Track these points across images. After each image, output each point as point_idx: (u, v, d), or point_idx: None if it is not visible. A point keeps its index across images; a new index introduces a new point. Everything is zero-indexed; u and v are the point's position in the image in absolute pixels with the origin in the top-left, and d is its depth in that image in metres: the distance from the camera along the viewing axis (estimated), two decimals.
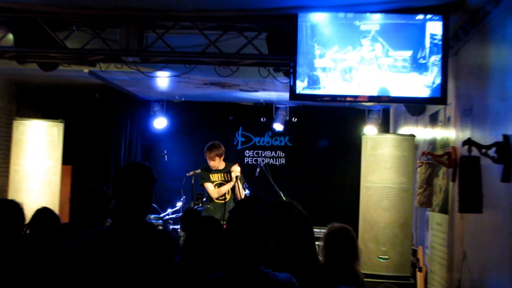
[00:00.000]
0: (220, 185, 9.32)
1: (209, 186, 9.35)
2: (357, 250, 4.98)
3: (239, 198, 9.01)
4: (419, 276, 8.39)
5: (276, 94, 11.22)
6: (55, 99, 11.97)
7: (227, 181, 9.32)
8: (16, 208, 4.86)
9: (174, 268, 3.49)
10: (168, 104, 12.65)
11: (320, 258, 4.92)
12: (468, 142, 5.81)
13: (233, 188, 9.27)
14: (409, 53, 6.71)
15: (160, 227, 9.66)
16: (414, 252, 8.70)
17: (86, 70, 9.17)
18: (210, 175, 9.38)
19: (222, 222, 8.72)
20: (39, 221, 5.48)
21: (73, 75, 9.68)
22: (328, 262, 4.79)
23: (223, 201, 9.31)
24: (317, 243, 4.89)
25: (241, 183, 9.18)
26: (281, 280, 3.64)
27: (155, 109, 12.44)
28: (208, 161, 9.32)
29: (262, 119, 12.61)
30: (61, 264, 3.43)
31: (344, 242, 4.92)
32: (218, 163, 9.31)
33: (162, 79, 10.23)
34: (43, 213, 5.63)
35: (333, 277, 4.56)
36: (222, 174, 9.35)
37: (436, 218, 8.08)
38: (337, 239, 4.92)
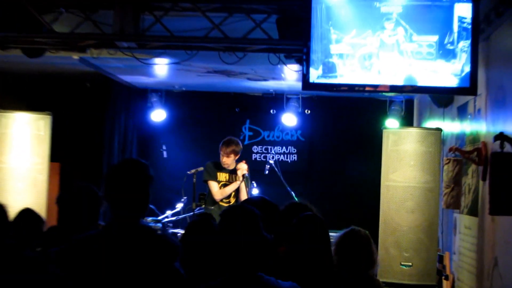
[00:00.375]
0: (225, 185, 9.26)
1: (213, 186, 9.26)
2: (372, 255, 4.99)
3: None
4: (446, 285, 8.41)
5: (287, 84, 11.23)
6: (42, 89, 12.00)
7: (233, 182, 9.25)
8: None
9: (174, 276, 3.50)
10: (167, 94, 12.69)
11: None
12: (500, 136, 5.82)
13: (237, 189, 9.19)
14: (435, 38, 6.71)
15: (159, 231, 9.67)
16: (440, 259, 8.71)
17: (75, 56, 9.20)
18: (218, 174, 9.31)
19: None
20: (21, 224, 5.50)
21: (61, 62, 9.71)
22: (339, 270, 4.81)
23: (228, 204, 9.24)
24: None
25: (246, 183, 9.12)
26: (286, 287, 3.64)
27: (152, 100, 12.48)
28: (221, 157, 9.20)
29: (271, 111, 12.63)
30: (46, 274, 3.42)
31: (356, 247, 4.92)
32: (231, 161, 9.20)
33: (161, 67, 10.26)
34: (26, 215, 5.65)
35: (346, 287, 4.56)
36: (229, 175, 9.28)
37: (464, 221, 8.09)
38: (348, 244, 4.93)
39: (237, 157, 9.26)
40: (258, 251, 3.62)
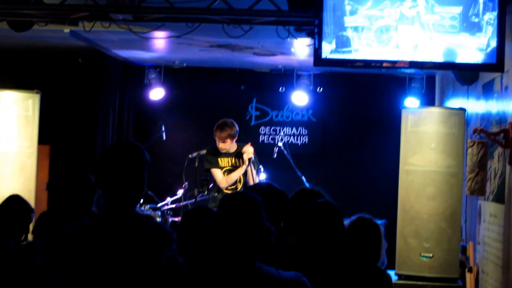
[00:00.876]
0: (230, 171, 9.27)
1: (217, 174, 9.28)
2: (379, 245, 5.06)
3: None
4: (469, 277, 8.45)
5: (298, 59, 11.26)
6: (30, 65, 12.04)
7: (238, 167, 9.27)
8: None
9: (169, 266, 3.49)
10: (166, 70, 12.71)
11: None
12: None
13: (245, 174, 9.23)
14: (458, 9, 6.75)
15: (151, 219, 9.71)
16: (463, 249, 8.76)
17: (66, 30, 9.23)
18: (219, 160, 9.32)
19: None
20: (8, 212, 5.59)
21: (51, 36, 9.74)
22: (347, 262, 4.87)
23: (233, 191, 9.22)
24: None
25: (255, 167, 9.14)
26: (286, 279, 3.67)
27: (150, 77, 12.50)
28: (217, 142, 9.24)
29: (280, 89, 12.66)
30: (32, 266, 3.44)
31: (363, 236, 4.99)
32: (228, 146, 9.24)
33: (159, 41, 10.30)
34: (14, 203, 5.73)
35: (351, 280, 4.60)
36: (233, 159, 9.29)
37: (490, 209, 8.14)
38: (355, 233, 4.99)
39: (234, 140, 9.28)
40: (258, 241, 3.65)
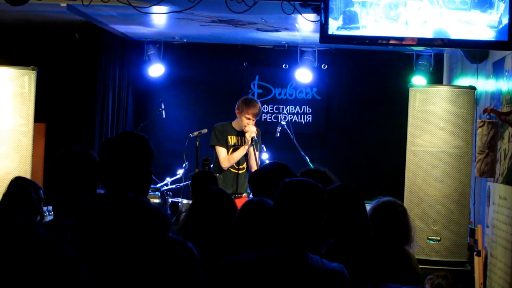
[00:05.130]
0: (234, 149, 9.15)
1: (221, 152, 9.10)
2: (408, 229, 5.05)
3: (253, 168, 8.84)
4: (478, 261, 8.47)
5: (302, 35, 11.24)
6: (25, 41, 12.03)
7: (240, 146, 9.13)
8: None
9: (170, 253, 3.45)
10: (166, 46, 12.70)
11: None
12: None
13: (246, 154, 9.08)
14: None
15: (147, 204, 9.67)
16: (472, 232, 8.78)
17: (63, 4, 9.21)
18: (229, 137, 9.15)
19: (236, 196, 8.81)
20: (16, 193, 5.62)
21: (47, 10, 9.72)
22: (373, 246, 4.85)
23: (238, 171, 9.15)
24: None
25: (257, 147, 9.03)
26: (329, 270, 3.72)
27: (149, 53, 12.50)
28: (241, 119, 9.01)
29: (284, 65, 12.65)
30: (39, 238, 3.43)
31: (389, 220, 4.97)
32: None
33: (159, 16, 10.27)
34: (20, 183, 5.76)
35: (379, 265, 4.59)
36: (237, 137, 9.19)
37: (499, 191, 8.14)
38: (380, 218, 4.97)
39: None
40: (315, 229, 3.74)
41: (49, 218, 6.41)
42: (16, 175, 6.88)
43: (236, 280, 3.73)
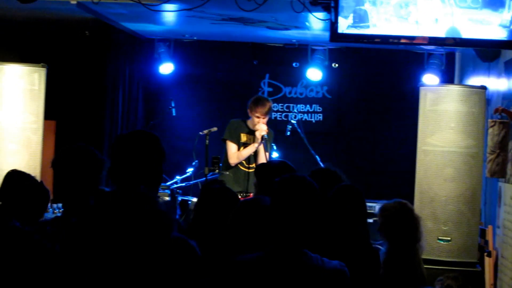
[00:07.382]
0: (245, 146, 9.20)
1: (231, 147, 9.20)
2: (417, 232, 5.05)
3: None
4: (488, 262, 8.46)
5: (312, 33, 11.22)
6: (35, 38, 12.04)
7: (250, 144, 9.19)
8: None
9: (173, 252, 3.45)
10: (176, 44, 12.70)
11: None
12: None
13: (255, 152, 9.13)
14: None
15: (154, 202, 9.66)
16: (483, 233, 8.76)
17: (73, 1, 9.22)
18: (242, 135, 9.25)
19: (244, 195, 8.80)
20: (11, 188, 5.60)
21: (57, 8, 9.73)
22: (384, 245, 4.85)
23: (248, 170, 9.15)
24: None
25: (268, 146, 9.01)
26: (330, 268, 3.70)
27: (160, 51, 12.49)
28: (254, 119, 9.12)
29: (294, 64, 12.64)
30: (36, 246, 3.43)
31: (400, 225, 4.97)
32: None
33: (169, 14, 10.27)
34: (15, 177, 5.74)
35: (389, 269, 4.60)
36: (249, 135, 9.26)
37: (510, 191, 8.12)
38: (392, 222, 4.97)
39: None
40: (310, 226, 3.70)
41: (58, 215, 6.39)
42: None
43: (236, 280, 3.71)
